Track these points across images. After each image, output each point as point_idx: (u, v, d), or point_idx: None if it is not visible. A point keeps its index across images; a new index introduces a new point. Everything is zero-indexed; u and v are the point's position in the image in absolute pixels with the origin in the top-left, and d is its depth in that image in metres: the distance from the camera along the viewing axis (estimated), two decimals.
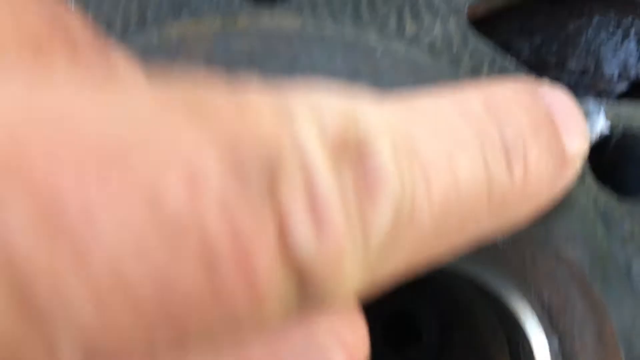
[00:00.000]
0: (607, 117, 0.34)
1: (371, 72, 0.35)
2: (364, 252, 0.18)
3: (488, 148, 0.26)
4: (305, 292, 0.16)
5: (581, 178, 0.32)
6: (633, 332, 0.31)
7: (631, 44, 0.46)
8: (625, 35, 0.46)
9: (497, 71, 0.35)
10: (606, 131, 0.33)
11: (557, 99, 0.31)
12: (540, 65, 0.50)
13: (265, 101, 0.17)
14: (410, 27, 0.36)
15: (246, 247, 0.14)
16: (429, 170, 0.23)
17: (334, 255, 0.16)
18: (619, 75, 0.49)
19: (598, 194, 0.32)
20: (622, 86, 0.50)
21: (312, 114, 0.18)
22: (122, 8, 0.35)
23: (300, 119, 0.17)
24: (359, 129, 0.19)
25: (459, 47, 0.36)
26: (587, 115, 0.34)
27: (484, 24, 0.45)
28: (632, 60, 0.48)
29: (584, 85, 0.52)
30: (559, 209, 0.32)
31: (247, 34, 0.35)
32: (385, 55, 0.35)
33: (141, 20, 0.34)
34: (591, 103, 0.34)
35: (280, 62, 0.35)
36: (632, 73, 0.49)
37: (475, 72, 0.35)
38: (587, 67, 0.50)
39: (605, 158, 0.36)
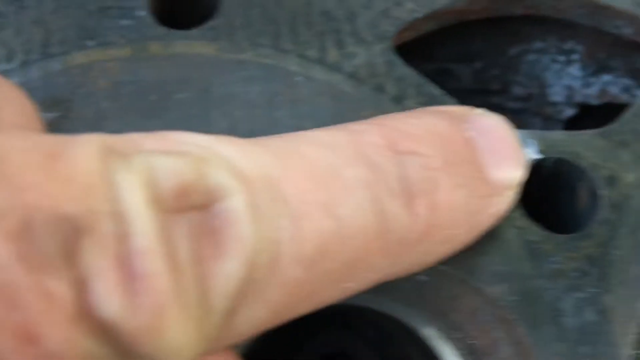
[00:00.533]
0: (539, 146, 0.32)
1: (289, 99, 0.33)
2: (202, 311, 0.16)
3: (381, 187, 0.25)
4: (128, 353, 0.14)
5: (508, 211, 0.31)
6: None
7: (575, 70, 0.45)
8: (569, 61, 0.45)
9: (424, 99, 0.33)
10: (536, 160, 0.32)
11: (485, 126, 0.30)
12: (483, 91, 0.49)
13: (87, 152, 0.15)
14: (332, 54, 0.34)
15: (24, 309, 0.13)
16: (299, 216, 0.22)
17: (151, 317, 0.14)
18: (565, 101, 0.48)
19: (526, 228, 0.31)
20: (569, 112, 0.49)
21: (142, 168, 0.16)
22: (25, 36, 0.33)
23: (124, 175, 0.16)
24: (208, 180, 0.18)
25: (383, 74, 0.34)
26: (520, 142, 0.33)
27: (419, 49, 0.44)
28: (577, 86, 0.46)
29: (531, 112, 0.51)
30: (484, 244, 0.30)
31: (157, 60, 0.33)
32: (306, 82, 0.34)
33: (45, 49, 0.33)
34: (520, 132, 0.33)
35: (192, 89, 0.33)
36: (578, 98, 0.47)
37: (399, 100, 0.33)
38: (531, 93, 0.48)
39: (537, 189, 0.34)
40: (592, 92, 0.47)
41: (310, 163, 0.23)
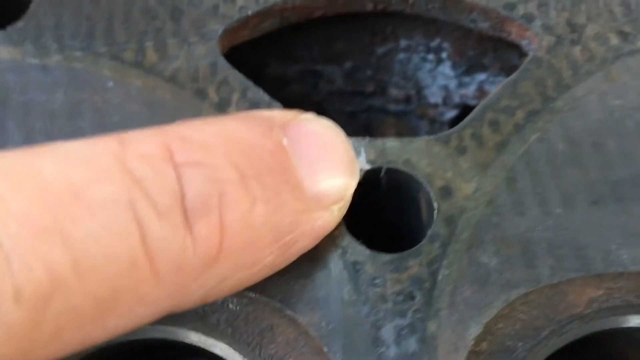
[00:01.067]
0: (369, 155, 0.30)
1: (97, 108, 0.30)
2: None
3: (143, 206, 0.21)
4: None
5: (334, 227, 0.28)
6: None
7: (446, 69, 0.42)
8: (439, 60, 0.42)
9: (249, 105, 0.30)
10: (364, 170, 0.29)
11: (307, 132, 0.26)
12: (359, 93, 0.46)
13: None
14: (151, 57, 0.31)
15: None
16: (20, 247, 0.18)
17: None
18: (443, 102, 0.46)
19: (349, 247, 0.28)
20: (450, 113, 0.46)
21: None
22: None
23: None
24: None
25: (206, 78, 0.31)
26: None
27: (279, 50, 0.41)
28: (452, 86, 0.44)
29: (415, 114, 0.48)
30: (301, 266, 0.27)
31: None
32: (118, 89, 0.30)
33: None
34: (352, 139, 0.30)
35: None
36: (456, 99, 0.45)
37: (222, 106, 0.30)
38: (409, 94, 0.45)
39: (377, 202, 0.32)
40: (469, 92, 0.44)
41: (41, 181, 0.20)
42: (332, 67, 0.43)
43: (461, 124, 0.30)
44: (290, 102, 0.45)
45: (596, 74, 0.32)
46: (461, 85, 0.43)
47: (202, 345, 0.28)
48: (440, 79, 0.44)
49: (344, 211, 0.27)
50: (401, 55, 0.42)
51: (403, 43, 0.41)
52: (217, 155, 0.24)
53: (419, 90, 0.45)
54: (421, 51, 0.42)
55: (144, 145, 0.23)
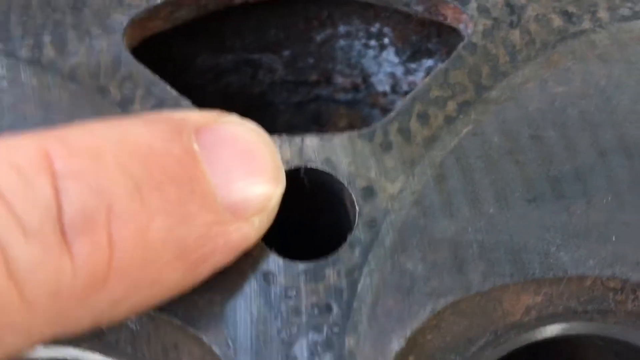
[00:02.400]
0: (284, 154, 0.27)
1: None
2: None
3: (7, 225, 0.19)
4: None
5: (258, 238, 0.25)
6: None
7: (390, 55, 0.40)
8: (382, 46, 0.39)
9: (155, 102, 0.28)
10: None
11: (225, 136, 0.24)
12: (304, 83, 0.43)
13: None
14: (49, 53, 0.28)
15: None
16: None
17: None
18: (392, 91, 0.43)
19: (261, 256, 0.25)
20: (401, 102, 0.44)
21: None
22: None
23: None
24: None
25: (108, 74, 0.28)
26: None
27: (209, 40, 0.38)
28: (399, 73, 0.41)
29: (366, 103, 0.45)
30: (209, 279, 0.24)
31: None
32: (10, 88, 0.28)
33: None
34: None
35: None
36: (404, 87, 0.42)
37: (125, 104, 0.28)
38: (356, 82, 0.43)
39: (302, 205, 0.29)
40: (417, 79, 0.41)
41: None
42: (269, 55, 0.40)
43: (387, 117, 0.28)
44: (229, 94, 0.43)
45: (536, 60, 0.29)
46: (408, 72, 0.41)
47: None
48: (386, 66, 0.41)
49: (268, 223, 0.25)
50: (342, 42, 0.40)
51: (342, 29, 0.39)
52: (106, 162, 0.21)
53: (366, 78, 0.42)
54: (362, 37, 0.39)
55: (16, 152, 0.20)
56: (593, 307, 0.26)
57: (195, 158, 0.22)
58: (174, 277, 0.22)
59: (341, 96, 0.45)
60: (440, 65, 0.29)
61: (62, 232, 0.20)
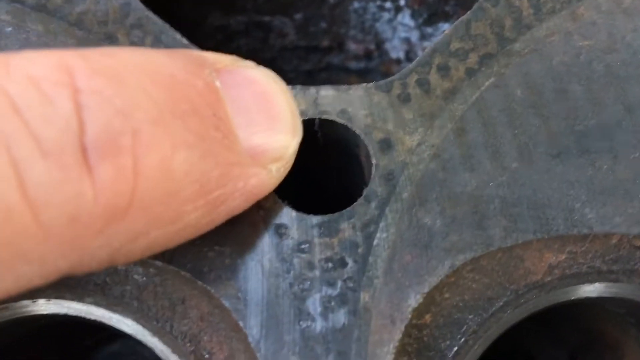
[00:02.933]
0: (300, 105, 0.26)
1: None
2: None
3: (20, 142, 0.17)
4: None
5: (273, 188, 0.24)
6: None
7: (406, 18, 0.39)
8: (397, 8, 0.38)
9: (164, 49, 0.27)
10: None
11: (246, 78, 0.22)
12: (315, 49, 0.42)
13: None
14: None
15: None
16: None
17: None
18: (407, 58, 0.42)
19: (274, 209, 0.24)
20: None
21: None
22: None
23: None
24: None
25: (116, 21, 0.27)
26: None
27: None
28: (414, 38, 0.40)
29: (377, 71, 0.44)
30: (220, 231, 0.23)
31: None
32: (17, 34, 0.27)
33: None
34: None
35: None
36: (419, 54, 0.41)
37: None
38: (369, 49, 0.42)
39: (315, 158, 0.28)
40: None
41: None
42: (281, 18, 0.39)
43: (405, 69, 0.27)
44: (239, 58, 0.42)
45: (561, 13, 0.28)
46: (424, 37, 0.40)
47: (107, 322, 0.24)
48: (400, 31, 0.40)
49: (284, 172, 0.23)
50: (356, 4, 0.38)
51: None
52: (130, 84, 0.19)
53: (379, 44, 0.41)
54: None
55: (35, 65, 0.18)
56: (619, 267, 0.25)
57: (218, 94, 0.21)
58: (193, 215, 0.21)
59: (353, 64, 0.43)
60: (462, 17, 0.28)
61: (84, 153, 0.18)
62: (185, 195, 0.20)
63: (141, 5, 0.27)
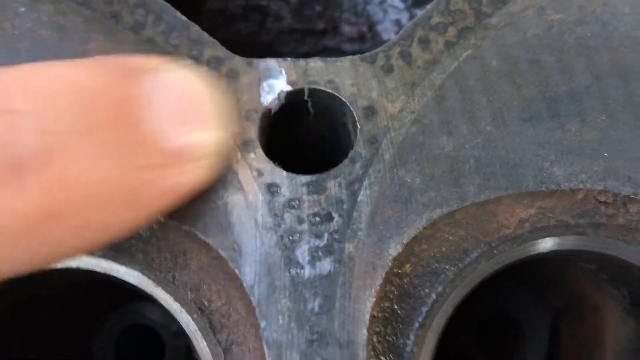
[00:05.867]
0: (290, 76, 0.28)
1: (8, 32, 0.28)
2: None
3: None
4: None
5: (248, 149, 0.26)
6: (284, 347, 0.24)
7: (395, 0, 0.41)
8: None
9: (165, 27, 0.29)
10: (287, 92, 0.27)
11: (167, 82, 0.23)
12: (310, 32, 0.44)
13: None
14: None
15: None
16: None
17: None
18: None
19: (265, 169, 0.26)
20: None
21: None
22: None
23: None
24: None
25: (121, 1, 0.29)
26: (267, 74, 0.28)
27: None
28: (405, 20, 0.42)
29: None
30: (216, 191, 0.26)
31: None
32: (28, 13, 0.29)
33: None
34: (270, 61, 0.28)
35: None
36: None
37: (137, 29, 0.29)
38: (362, 31, 0.44)
39: (305, 124, 0.30)
40: None
41: None
42: (277, 2, 0.41)
43: (389, 42, 0.29)
44: (238, 42, 0.44)
45: None
46: (414, 18, 0.42)
47: (115, 274, 0.27)
48: (391, 13, 0.42)
49: (217, 165, 0.24)
50: None
51: None
52: (58, 102, 0.21)
53: (372, 26, 0.43)
54: None
55: None
56: (585, 221, 0.27)
57: (137, 102, 0.22)
58: (121, 218, 0.22)
59: (348, 47, 0.46)
60: None
61: (15, 168, 0.19)
62: (106, 201, 0.21)
63: None
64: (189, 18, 0.30)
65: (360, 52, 0.46)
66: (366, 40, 0.44)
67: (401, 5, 0.41)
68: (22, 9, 0.29)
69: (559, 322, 0.39)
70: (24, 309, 0.34)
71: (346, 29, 0.44)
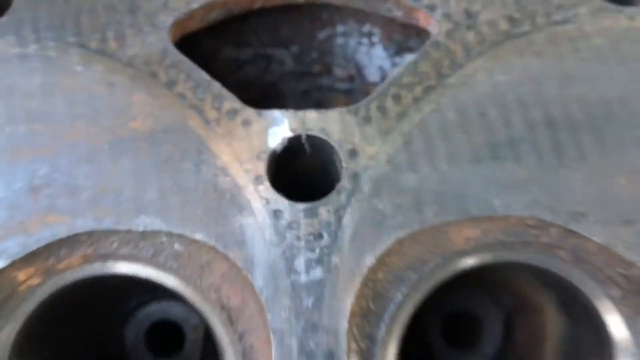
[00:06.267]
0: (291, 124, 0.36)
1: (67, 88, 0.36)
2: None
3: None
4: None
5: (259, 182, 0.34)
6: (285, 333, 0.32)
7: (379, 51, 0.49)
8: (371, 43, 0.48)
9: (193, 83, 0.37)
10: (288, 137, 0.35)
11: None
12: (308, 73, 0.52)
13: None
14: (112, 45, 0.37)
15: None
16: None
17: None
18: (382, 80, 0.52)
19: (271, 198, 0.34)
20: None
21: None
22: None
23: None
24: None
25: (157, 62, 0.37)
26: (273, 122, 0.36)
27: (233, 36, 0.47)
28: (387, 66, 0.50)
29: (360, 92, 0.54)
30: (232, 214, 0.34)
31: None
32: (84, 72, 0.37)
33: None
34: (276, 112, 0.36)
35: None
36: None
37: (171, 85, 0.37)
38: (351, 74, 0.52)
39: (302, 163, 0.38)
40: None
41: None
42: (280, 50, 0.49)
43: (368, 97, 0.37)
44: (247, 83, 0.52)
45: (486, 55, 0.38)
46: (394, 65, 0.50)
47: (155, 278, 0.34)
48: (376, 60, 0.50)
49: None
50: (340, 40, 0.48)
51: (340, 29, 0.47)
52: None
53: (359, 70, 0.51)
54: (356, 36, 0.48)
55: None
56: (517, 240, 0.35)
57: None
58: None
59: (339, 85, 0.53)
60: (411, 58, 0.38)
61: None
62: None
63: (175, 51, 0.38)
64: (207, 65, 0.38)
65: (350, 90, 0.54)
66: (355, 81, 0.52)
67: (384, 54, 0.49)
68: (79, 68, 0.37)
69: (511, 319, 0.47)
70: (78, 304, 0.42)
71: (338, 72, 0.51)
